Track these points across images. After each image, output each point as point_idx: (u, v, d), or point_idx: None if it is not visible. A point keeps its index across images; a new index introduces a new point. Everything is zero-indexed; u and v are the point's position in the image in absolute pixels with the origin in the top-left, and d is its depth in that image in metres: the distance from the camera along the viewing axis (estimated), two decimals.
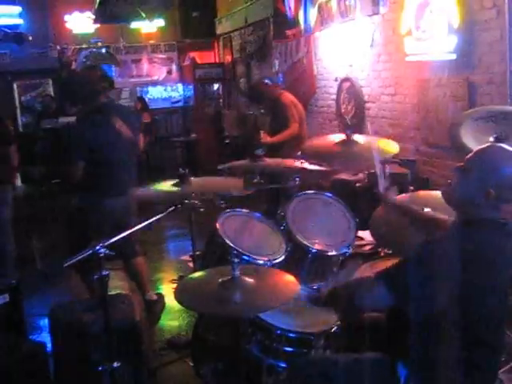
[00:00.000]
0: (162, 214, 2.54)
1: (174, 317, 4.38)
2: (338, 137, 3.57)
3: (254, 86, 6.57)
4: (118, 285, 4.94)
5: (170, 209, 2.55)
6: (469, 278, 1.84)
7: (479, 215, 1.97)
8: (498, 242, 1.95)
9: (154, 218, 2.48)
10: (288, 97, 6.02)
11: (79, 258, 2.15)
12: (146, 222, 2.44)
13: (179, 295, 2.24)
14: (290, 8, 7.87)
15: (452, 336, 1.87)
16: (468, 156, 2.04)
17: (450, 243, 1.90)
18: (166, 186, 3.34)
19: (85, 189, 4.10)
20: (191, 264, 3.79)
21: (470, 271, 1.84)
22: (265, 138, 5.67)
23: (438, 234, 2.21)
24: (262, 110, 6.20)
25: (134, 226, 3.23)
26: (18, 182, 10.66)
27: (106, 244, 2.19)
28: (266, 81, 6.14)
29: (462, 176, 2.00)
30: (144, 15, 10.56)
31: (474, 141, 3.04)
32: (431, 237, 2.04)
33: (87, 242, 3.86)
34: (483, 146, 2.06)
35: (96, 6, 10.02)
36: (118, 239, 2.37)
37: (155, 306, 4.41)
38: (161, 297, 4.56)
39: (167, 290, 4.85)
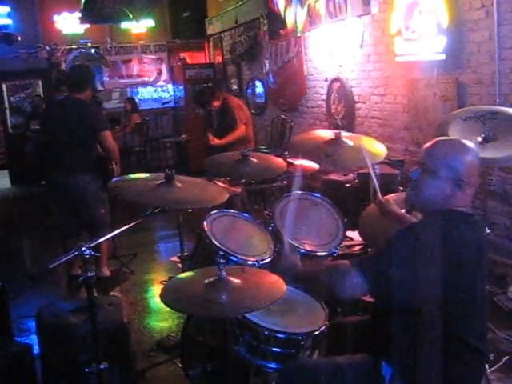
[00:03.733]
0: (141, 218, 2.50)
1: (163, 318, 4.36)
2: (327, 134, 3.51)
3: (202, 91, 6.83)
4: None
5: (149, 212, 2.51)
6: (437, 268, 1.85)
7: (448, 205, 2.00)
8: (464, 233, 1.95)
9: (136, 222, 2.45)
10: (235, 100, 6.39)
11: (64, 259, 2.13)
12: (127, 226, 2.41)
13: (165, 296, 2.21)
14: (278, 8, 7.88)
15: (432, 332, 1.87)
16: (423, 158, 2.06)
17: (420, 233, 1.93)
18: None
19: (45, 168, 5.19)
20: (181, 265, 3.77)
21: (438, 261, 1.86)
22: (213, 140, 5.98)
23: (410, 224, 2.24)
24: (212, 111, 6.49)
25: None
26: (8, 184, 10.65)
27: (91, 245, 2.17)
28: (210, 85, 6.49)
29: (427, 177, 2.02)
30: (131, 16, 10.51)
31: None
32: (403, 227, 2.06)
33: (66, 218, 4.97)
34: (430, 144, 2.07)
35: (82, 5, 9.95)
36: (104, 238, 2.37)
37: (105, 282, 5.03)
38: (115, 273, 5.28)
39: (157, 292, 4.83)
